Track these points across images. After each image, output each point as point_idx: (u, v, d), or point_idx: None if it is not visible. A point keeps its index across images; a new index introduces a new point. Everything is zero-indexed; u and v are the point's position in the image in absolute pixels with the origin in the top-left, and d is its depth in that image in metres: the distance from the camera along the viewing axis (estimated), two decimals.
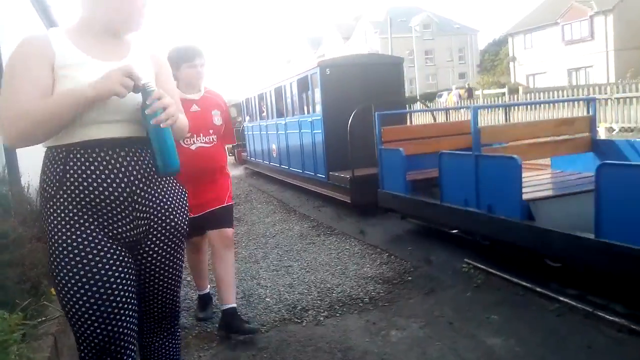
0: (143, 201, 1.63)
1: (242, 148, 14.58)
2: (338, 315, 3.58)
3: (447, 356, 2.83)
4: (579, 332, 2.97)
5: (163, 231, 1.72)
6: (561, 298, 3.35)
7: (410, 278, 4.18)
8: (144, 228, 1.67)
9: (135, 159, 1.61)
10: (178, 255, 1.81)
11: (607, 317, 3.04)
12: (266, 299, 4.01)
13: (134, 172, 1.60)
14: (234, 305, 3.32)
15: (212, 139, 3.16)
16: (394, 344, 3.04)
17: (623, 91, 14.49)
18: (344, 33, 55.97)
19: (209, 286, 3.81)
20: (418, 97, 34.43)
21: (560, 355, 2.74)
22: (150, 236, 1.70)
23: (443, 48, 50.62)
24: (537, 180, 4.54)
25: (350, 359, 2.90)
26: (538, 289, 3.50)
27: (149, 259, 1.73)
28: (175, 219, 1.75)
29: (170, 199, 1.73)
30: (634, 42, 28.39)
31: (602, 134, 10.50)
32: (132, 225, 1.62)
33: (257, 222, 6.98)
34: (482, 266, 4.07)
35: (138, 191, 1.61)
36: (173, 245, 1.77)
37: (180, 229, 1.78)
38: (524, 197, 3.68)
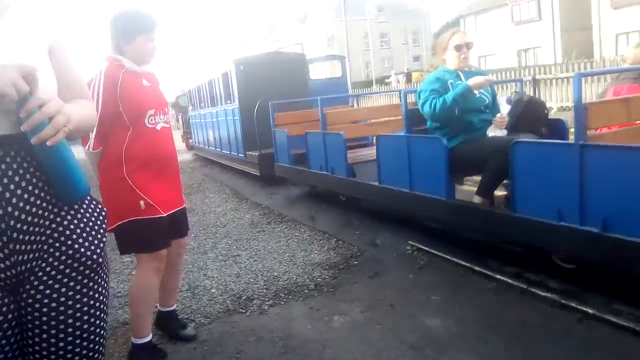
0: (24, 226, 1.14)
1: (189, 135, 15.39)
2: (283, 303, 3.57)
3: (387, 338, 2.87)
4: (514, 309, 3.06)
5: (56, 263, 1.20)
6: (498, 276, 3.45)
7: (356, 262, 4.21)
8: (28, 264, 1.18)
9: (13, 165, 1.13)
10: (85, 300, 1.24)
11: (541, 293, 3.15)
12: (211, 290, 3.96)
13: (10, 186, 1.12)
14: (174, 307, 3.19)
15: (168, 118, 2.66)
16: (336, 329, 3.06)
17: (567, 71, 14.99)
18: (299, 17, 55.56)
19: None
20: (374, 81, 34.75)
21: (495, 332, 2.82)
22: (37, 272, 1.19)
23: (398, 31, 51.00)
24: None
25: (292, 347, 2.90)
26: (476, 268, 3.59)
27: (35, 305, 1.18)
28: (77, 245, 1.23)
29: (70, 217, 1.24)
30: (580, 22, 29.32)
31: None
32: (8, 262, 1.14)
33: (208, 212, 6.87)
34: (425, 248, 4.15)
35: (16, 212, 1.13)
36: (74, 283, 1.22)
37: (84, 257, 1.24)
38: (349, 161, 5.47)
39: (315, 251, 4.64)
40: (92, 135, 2.44)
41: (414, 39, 52.28)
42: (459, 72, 3.78)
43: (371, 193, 5.11)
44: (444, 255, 3.93)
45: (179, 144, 16.41)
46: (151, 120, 2.53)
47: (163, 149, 2.59)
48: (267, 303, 3.59)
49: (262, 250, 4.85)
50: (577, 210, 2.82)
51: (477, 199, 3.58)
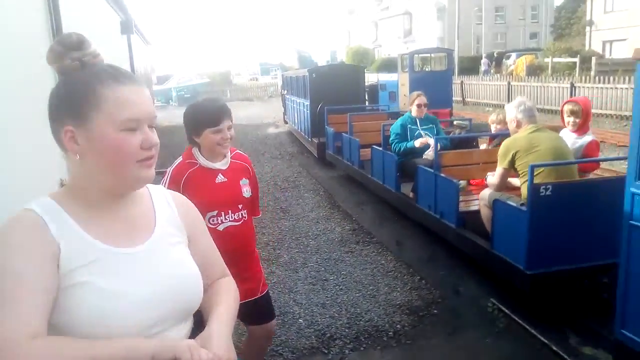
0: None
1: (285, 112, 17.05)
2: (362, 348, 3.89)
3: None
4: None
5: None
6: None
7: (436, 311, 4.41)
8: None
9: None
10: None
11: None
12: (299, 320, 4.38)
13: None
14: None
15: (242, 215, 2.61)
16: None
17: None
18: None
19: None
20: (483, 56, 32.97)
21: None
22: None
23: (515, 5, 47.62)
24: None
25: None
26: (554, 348, 3.64)
27: None
28: None
29: None
30: None
31: None
32: None
33: (301, 217, 7.31)
34: (506, 310, 4.22)
35: None
36: None
37: None
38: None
39: (399, 289, 4.88)
40: None
41: (532, 14, 48.58)
42: (417, 119, 6.59)
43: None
44: (523, 324, 4.00)
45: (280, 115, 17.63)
46: (213, 220, 2.50)
47: (226, 250, 2.15)
48: (348, 346, 3.93)
49: (348, 278, 5.18)
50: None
51: (411, 194, 6.19)
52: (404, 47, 49.83)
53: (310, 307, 4.60)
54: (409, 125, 6.53)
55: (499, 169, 4.42)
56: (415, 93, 6.66)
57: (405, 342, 3.96)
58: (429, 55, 19.51)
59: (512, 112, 4.45)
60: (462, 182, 5.45)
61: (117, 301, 1.10)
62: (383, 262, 5.55)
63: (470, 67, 32.34)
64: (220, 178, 2.57)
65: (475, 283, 4.87)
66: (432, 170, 5.48)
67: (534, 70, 23.92)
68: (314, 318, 4.40)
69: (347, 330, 4.17)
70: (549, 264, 3.97)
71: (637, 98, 2.80)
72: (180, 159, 2.62)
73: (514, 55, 30.90)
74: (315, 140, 11.19)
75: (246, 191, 2.65)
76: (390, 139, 6.59)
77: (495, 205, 4.36)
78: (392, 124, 6.80)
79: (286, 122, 16.94)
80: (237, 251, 2.52)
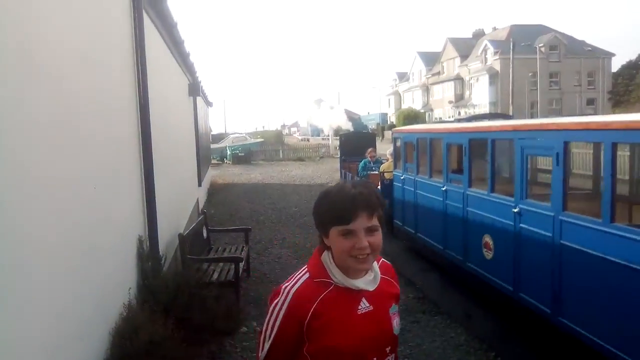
0: None
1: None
2: None
3: None
4: None
5: None
6: None
7: None
8: None
9: None
10: None
11: None
12: None
13: None
14: None
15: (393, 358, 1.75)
16: None
17: None
18: (461, 50, 54.58)
19: None
20: None
21: None
22: None
23: (571, 71, 47.24)
24: None
25: None
26: None
27: None
28: None
29: None
30: None
31: None
32: None
33: None
34: None
35: None
36: None
37: None
38: None
39: None
40: None
41: (589, 80, 47.95)
42: (371, 162, 12.39)
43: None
44: None
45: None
46: None
47: None
48: None
49: (417, 350, 4.91)
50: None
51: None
52: (455, 112, 50.07)
53: None
54: (368, 166, 12.50)
55: None
56: (369, 149, 12.89)
57: None
58: None
59: None
60: None
61: None
62: (453, 335, 5.25)
63: None
64: (364, 306, 1.66)
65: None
66: None
67: None
68: None
69: None
70: None
71: None
72: (303, 275, 1.70)
73: None
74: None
75: (397, 325, 1.74)
76: (359, 169, 12.73)
77: None
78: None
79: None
80: None
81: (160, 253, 5.16)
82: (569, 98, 46.37)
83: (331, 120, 38.68)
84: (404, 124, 38.57)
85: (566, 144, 4.38)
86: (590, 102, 47.00)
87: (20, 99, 2.30)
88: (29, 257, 2.32)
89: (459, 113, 46.59)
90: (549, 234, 4.49)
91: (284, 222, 11.69)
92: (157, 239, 4.98)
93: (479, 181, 6.16)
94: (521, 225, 4.99)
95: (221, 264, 6.45)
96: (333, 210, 1.61)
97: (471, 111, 43.50)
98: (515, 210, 5.06)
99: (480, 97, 48.06)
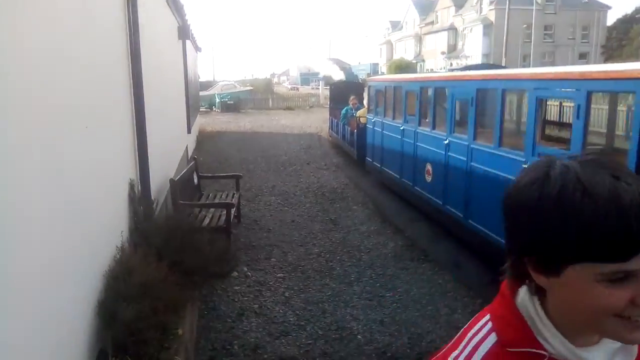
0: None
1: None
2: None
3: None
4: None
5: None
6: None
7: None
8: None
9: None
10: None
11: None
12: (358, 336, 4.25)
13: None
14: None
15: None
16: None
17: None
18: (456, 0, 53.23)
19: None
20: None
21: None
22: None
23: (566, 24, 46.48)
24: None
25: None
26: None
27: None
28: None
29: None
30: None
31: None
32: None
33: (352, 230, 7.20)
34: None
35: None
36: None
37: None
38: None
39: (459, 311, 4.70)
40: None
41: (583, 34, 47.33)
42: (353, 109, 13.10)
43: None
44: None
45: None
46: None
47: None
48: None
49: (405, 296, 5.03)
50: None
51: None
52: (447, 63, 49.41)
53: (368, 324, 4.47)
54: (349, 113, 13.38)
55: None
56: (351, 97, 13.89)
57: None
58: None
59: None
60: None
61: None
62: (440, 281, 5.38)
63: None
64: None
65: None
66: None
67: None
68: (373, 335, 4.27)
69: (408, 350, 4.03)
70: None
71: None
72: (485, 336, 0.95)
73: None
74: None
75: None
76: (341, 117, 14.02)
77: None
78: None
79: (330, 136, 16.96)
80: None
81: (152, 197, 5.13)
82: (562, 51, 45.85)
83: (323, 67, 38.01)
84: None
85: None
86: (583, 56, 46.55)
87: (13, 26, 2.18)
88: (24, 199, 2.27)
89: (451, 64, 45.99)
90: (464, 158, 6.11)
91: (274, 170, 11.66)
92: (148, 182, 4.93)
93: (426, 121, 7.62)
94: (449, 153, 6.58)
95: (212, 210, 6.45)
96: (591, 231, 0.77)
97: (463, 62, 42.91)
98: (446, 142, 6.63)
99: (474, 49, 47.30)
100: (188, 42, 12.70)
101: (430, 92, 7.54)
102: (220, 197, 7.22)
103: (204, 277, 4.63)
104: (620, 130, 7.54)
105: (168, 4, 8.81)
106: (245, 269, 5.70)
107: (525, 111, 5.36)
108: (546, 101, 6.19)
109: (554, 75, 4.86)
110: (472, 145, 5.95)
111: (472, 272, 5.61)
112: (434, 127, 7.21)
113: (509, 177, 4.94)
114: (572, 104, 4.61)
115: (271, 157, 13.34)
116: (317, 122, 22.26)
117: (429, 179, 7.30)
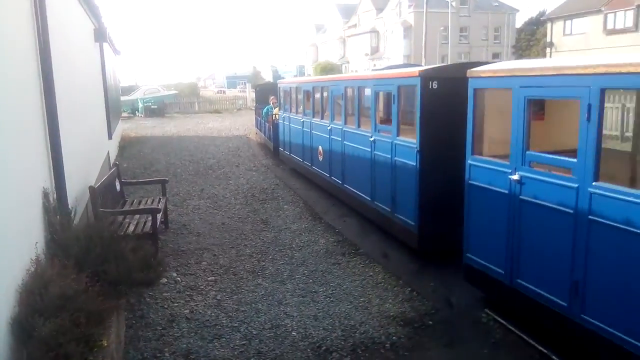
0: None
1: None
2: None
3: None
4: None
5: None
6: None
7: (430, 322, 4.37)
8: None
9: None
10: None
11: None
12: (292, 333, 4.25)
13: None
14: None
15: None
16: None
17: None
18: (377, 3, 54.70)
19: None
20: None
21: None
22: None
23: (479, 26, 49.22)
24: None
25: None
26: (554, 357, 3.65)
27: None
28: None
29: None
30: None
31: None
32: None
33: (283, 229, 7.19)
34: (501, 320, 4.22)
35: None
36: None
37: None
38: None
39: (390, 300, 4.82)
40: None
41: (495, 35, 50.30)
42: (272, 108, 14.01)
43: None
44: (520, 334, 4.00)
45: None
46: None
47: None
48: (346, 359, 3.83)
49: (338, 290, 5.09)
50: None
51: None
52: (370, 64, 50.63)
53: (302, 320, 4.48)
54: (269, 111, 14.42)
55: None
56: (271, 97, 14.54)
57: (403, 354, 3.89)
58: None
59: None
60: None
61: None
62: (371, 273, 5.49)
63: None
64: None
65: (466, 292, 4.85)
66: None
67: None
68: (308, 331, 4.28)
69: (342, 342, 4.08)
70: None
71: None
72: None
73: None
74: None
75: None
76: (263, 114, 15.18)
77: None
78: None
79: (257, 134, 17.03)
80: None
81: (70, 206, 4.85)
82: (477, 52, 48.41)
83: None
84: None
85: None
86: (496, 56, 49.36)
87: None
88: None
89: (374, 65, 47.16)
90: (340, 139, 8.06)
91: (202, 173, 11.41)
92: (65, 190, 4.66)
93: (317, 114, 9.43)
94: (331, 137, 8.47)
95: (137, 216, 6.20)
96: None
97: (385, 63, 44.15)
98: (329, 128, 8.55)
99: (395, 50, 48.84)
100: (106, 45, 12.14)
101: (319, 91, 9.41)
102: (146, 203, 6.95)
103: (129, 285, 4.43)
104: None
105: (81, 4, 8.38)
106: (175, 274, 5.53)
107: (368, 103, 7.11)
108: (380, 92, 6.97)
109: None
110: (344, 129, 7.87)
111: (400, 262, 5.78)
112: (322, 118, 9.10)
113: (366, 149, 6.88)
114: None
115: (199, 160, 13.05)
116: (245, 124, 22.04)
117: (320, 158, 9.26)
